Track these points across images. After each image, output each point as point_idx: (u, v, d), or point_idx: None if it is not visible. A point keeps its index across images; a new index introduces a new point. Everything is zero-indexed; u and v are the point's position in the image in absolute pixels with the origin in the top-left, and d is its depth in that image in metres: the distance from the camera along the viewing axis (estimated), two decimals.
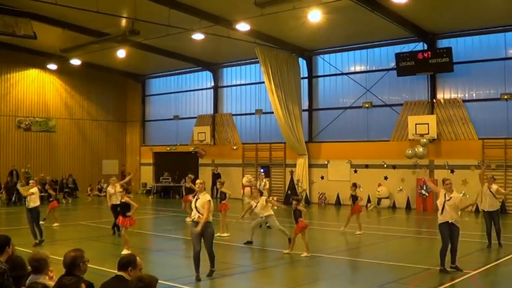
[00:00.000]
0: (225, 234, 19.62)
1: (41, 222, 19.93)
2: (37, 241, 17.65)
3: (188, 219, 24.03)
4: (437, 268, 13.60)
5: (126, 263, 6.51)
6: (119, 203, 17.32)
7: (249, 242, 17.82)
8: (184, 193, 25.76)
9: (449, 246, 13.23)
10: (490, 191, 17.12)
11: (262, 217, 17.64)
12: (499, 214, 17.47)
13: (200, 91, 41.26)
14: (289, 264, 15.29)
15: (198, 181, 13.27)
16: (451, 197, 13.21)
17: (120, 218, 16.68)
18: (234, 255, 13.93)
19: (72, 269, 6.26)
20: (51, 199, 22.54)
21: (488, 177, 17.75)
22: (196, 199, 12.82)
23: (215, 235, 13.89)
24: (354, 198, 20.87)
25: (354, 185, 21.40)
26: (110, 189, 20.31)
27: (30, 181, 19.71)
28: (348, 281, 13.23)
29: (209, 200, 12.67)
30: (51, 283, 6.23)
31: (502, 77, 27.70)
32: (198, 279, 12.59)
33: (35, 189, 18.25)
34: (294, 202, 16.57)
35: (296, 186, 32.97)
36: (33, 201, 17.97)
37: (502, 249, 16.71)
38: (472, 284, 12.35)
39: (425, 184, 28.74)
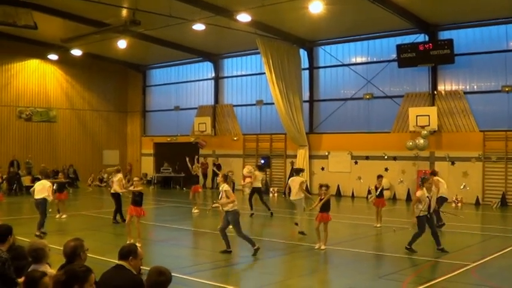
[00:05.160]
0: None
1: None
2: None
3: (195, 210, 24.15)
4: (436, 260, 13.71)
5: (127, 253, 6.54)
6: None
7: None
8: (195, 182, 25.16)
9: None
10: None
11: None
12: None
13: (201, 82, 41.22)
14: (290, 255, 15.34)
15: (229, 173, 16.03)
16: None
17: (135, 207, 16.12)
18: (233, 246, 13.99)
19: (73, 258, 6.28)
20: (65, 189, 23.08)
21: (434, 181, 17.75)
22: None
23: None
24: (381, 189, 20.31)
25: (380, 176, 20.71)
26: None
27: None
28: (349, 272, 13.19)
29: (228, 189, 14.47)
30: (53, 271, 6.25)
31: (503, 69, 27.63)
32: (223, 251, 14.46)
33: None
34: (323, 189, 15.93)
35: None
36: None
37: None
38: (471, 276, 12.37)
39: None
